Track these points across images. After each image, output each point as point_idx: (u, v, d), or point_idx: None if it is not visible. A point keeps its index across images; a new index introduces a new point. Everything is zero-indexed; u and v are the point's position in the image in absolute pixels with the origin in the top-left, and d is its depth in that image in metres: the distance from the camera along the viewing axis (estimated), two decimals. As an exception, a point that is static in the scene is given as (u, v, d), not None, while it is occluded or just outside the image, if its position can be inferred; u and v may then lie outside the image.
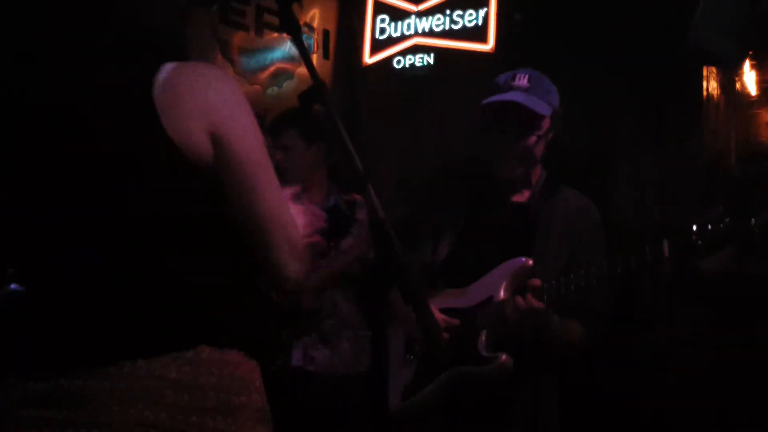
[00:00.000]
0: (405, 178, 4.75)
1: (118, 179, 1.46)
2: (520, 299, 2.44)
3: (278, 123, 3.49)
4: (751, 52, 4.80)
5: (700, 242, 2.29)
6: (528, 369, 2.53)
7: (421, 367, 2.63)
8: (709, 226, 2.27)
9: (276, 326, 1.52)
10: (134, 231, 1.46)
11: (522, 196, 2.71)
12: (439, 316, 2.55)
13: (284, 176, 3.46)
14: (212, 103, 1.50)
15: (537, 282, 2.45)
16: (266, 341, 1.65)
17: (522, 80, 2.64)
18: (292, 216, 1.61)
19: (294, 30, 1.52)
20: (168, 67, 1.48)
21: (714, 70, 4.72)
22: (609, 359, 3.76)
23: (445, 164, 2.97)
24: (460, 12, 5.26)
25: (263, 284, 1.66)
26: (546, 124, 2.64)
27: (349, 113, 5.48)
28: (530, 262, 2.53)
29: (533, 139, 2.63)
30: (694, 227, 2.29)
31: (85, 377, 1.39)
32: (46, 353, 1.44)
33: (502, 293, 2.53)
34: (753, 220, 2.23)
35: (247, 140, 1.54)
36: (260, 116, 5.08)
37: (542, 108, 2.61)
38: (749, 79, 5.07)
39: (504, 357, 2.44)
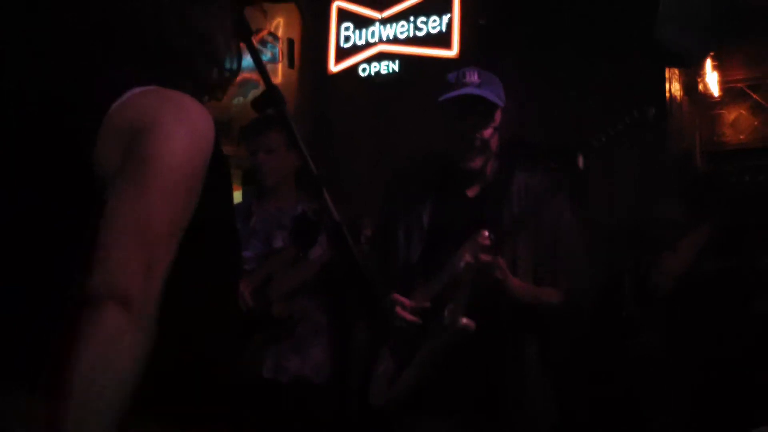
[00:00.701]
0: (376, 184, 4.74)
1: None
2: (468, 255, 2.57)
3: (263, 123, 3.45)
4: (712, 53, 4.86)
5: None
6: (513, 338, 2.66)
7: (402, 356, 2.71)
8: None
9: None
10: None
11: (475, 190, 2.80)
12: (409, 303, 2.65)
13: (264, 178, 3.46)
14: (139, 124, 1.32)
15: (485, 240, 2.57)
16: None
17: (473, 77, 2.77)
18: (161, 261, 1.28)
19: (244, 34, 1.51)
20: (127, 95, 1.36)
21: (677, 71, 4.77)
22: (603, 355, 3.79)
23: (407, 167, 3.03)
24: (423, 18, 5.28)
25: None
26: (498, 116, 2.78)
27: (317, 121, 5.48)
28: (485, 232, 2.60)
29: (489, 130, 2.75)
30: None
31: None
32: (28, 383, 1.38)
33: (461, 264, 2.61)
34: None
35: (156, 161, 1.29)
36: (226, 124, 5.07)
37: (495, 99, 2.74)
38: (712, 80, 5.13)
39: (464, 321, 2.55)
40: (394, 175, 3.05)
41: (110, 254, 1.23)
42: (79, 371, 1.17)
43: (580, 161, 2.44)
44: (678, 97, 4.77)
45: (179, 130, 1.32)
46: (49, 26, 1.47)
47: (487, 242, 2.56)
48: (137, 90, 1.36)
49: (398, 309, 2.63)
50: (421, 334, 2.63)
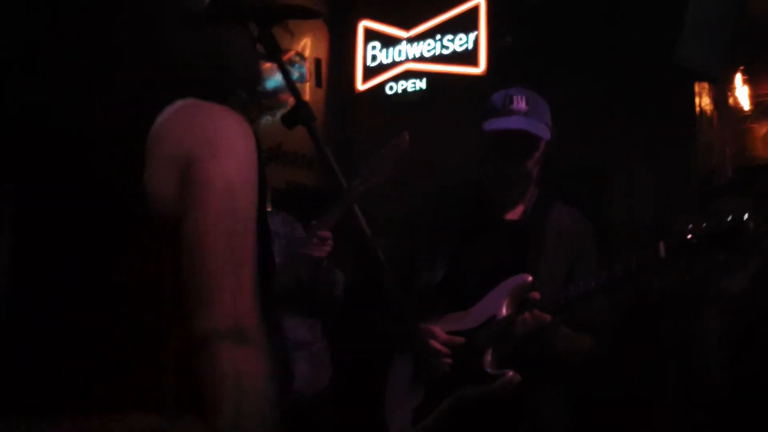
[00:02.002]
0: (400, 202, 4.74)
1: (107, 203, 1.38)
2: (527, 314, 2.47)
3: None
4: (742, 67, 4.82)
5: (695, 241, 2.29)
6: (534, 381, 2.54)
7: (430, 390, 2.63)
8: (704, 224, 2.28)
9: None
10: (116, 254, 1.37)
11: (515, 214, 2.73)
12: (443, 337, 2.57)
13: None
14: (189, 145, 1.34)
15: (536, 295, 2.49)
16: None
17: (520, 103, 2.65)
18: (240, 282, 1.33)
19: (274, 52, 1.52)
20: (168, 110, 1.37)
21: (706, 85, 4.73)
22: (619, 368, 3.75)
23: (437, 188, 2.99)
24: (450, 36, 5.28)
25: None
26: (543, 145, 2.67)
27: (343, 140, 5.49)
28: (529, 278, 2.55)
29: (533, 162, 2.66)
30: (690, 226, 2.29)
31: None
32: (27, 384, 1.38)
33: (504, 310, 2.55)
34: (746, 215, 2.23)
35: (229, 197, 1.33)
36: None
37: (544, 132, 2.64)
38: (742, 93, 5.08)
39: (510, 374, 2.47)
40: (423, 195, 3.00)
41: (211, 294, 1.27)
42: (224, 413, 1.23)
43: (662, 249, 2.35)
44: (708, 112, 4.72)
45: (232, 148, 1.35)
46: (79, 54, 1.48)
47: (537, 296, 2.48)
48: (178, 104, 1.38)
49: (433, 343, 2.55)
50: (454, 373, 2.55)
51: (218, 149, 1.34)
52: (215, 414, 1.24)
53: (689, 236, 2.30)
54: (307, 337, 3.36)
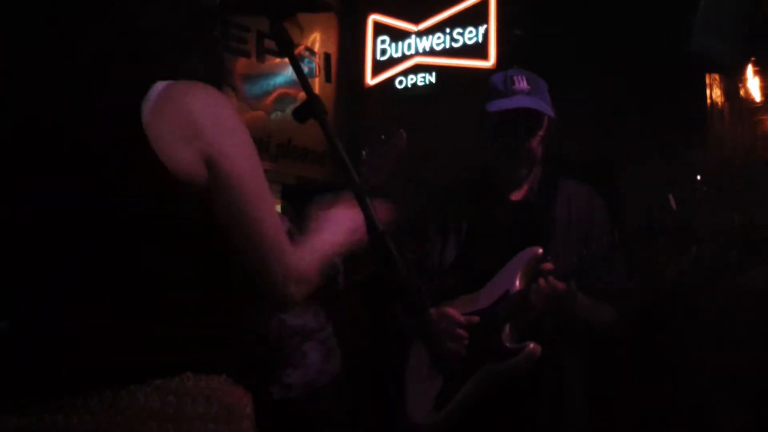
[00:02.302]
0: (411, 195, 4.73)
1: (108, 203, 1.42)
2: (542, 281, 2.46)
3: None
4: (754, 59, 4.79)
5: (705, 189, 2.30)
6: (553, 352, 2.55)
7: (449, 377, 2.62)
8: (714, 177, 2.29)
9: (263, 352, 1.49)
10: (116, 254, 1.42)
11: (520, 194, 2.74)
12: (459, 319, 2.56)
13: None
14: (201, 126, 1.45)
15: (549, 264, 2.48)
16: (255, 367, 1.60)
17: (522, 83, 2.68)
18: (285, 238, 1.57)
19: (286, 46, 1.52)
20: (158, 88, 1.44)
21: (717, 77, 4.71)
22: (636, 346, 3.76)
23: (444, 179, 2.99)
24: (460, 30, 5.27)
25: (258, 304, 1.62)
26: (546, 122, 2.68)
27: (354, 134, 5.49)
28: (540, 250, 2.55)
29: (537, 139, 2.67)
30: (700, 177, 2.29)
31: (68, 411, 1.35)
32: (28, 383, 1.40)
33: (517, 284, 2.55)
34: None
35: (240, 162, 1.49)
36: (264, 140, 5.09)
37: (547, 109, 2.66)
38: (753, 85, 5.05)
39: (531, 345, 2.45)
40: (432, 182, 3.01)
41: (274, 252, 1.52)
42: None
43: (672, 201, 2.34)
44: (719, 104, 4.70)
45: (232, 122, 1.51)
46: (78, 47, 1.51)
47: (550, 266, 2.47)
48: (159, 86, 1.45)
49: (449, 327, 2.54)
50: (473, 354, 2.54)
51: (224, 128, 1.49)
52: None
53: (700, 185, 2.31)
54: (313, 325, 3.38)
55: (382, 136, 2.77)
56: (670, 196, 2.34)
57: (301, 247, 1.65)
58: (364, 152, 2.87)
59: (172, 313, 1.43)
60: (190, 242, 1.46)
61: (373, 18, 5.63)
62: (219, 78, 1.63)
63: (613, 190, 4.63)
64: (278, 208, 5.06)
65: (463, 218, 2.74)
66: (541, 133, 2.67)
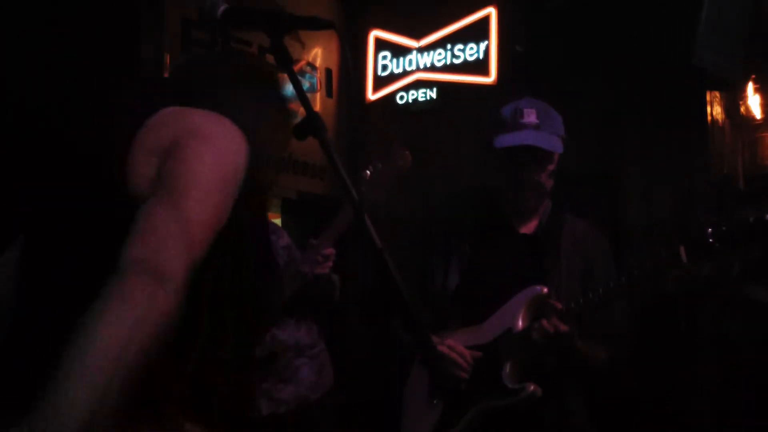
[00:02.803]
0: (413, 212, 4.73)
1: (103, 203, 1.44)
2: (545, 322, 2.45)
3: None
4: (754, 76, 4.80)
5: (717, 244, 2.28)
6: (557, 387, 2.55)
7: (448, 405, 2.62)
8: (724, 228, 2.27)
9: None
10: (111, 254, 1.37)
11: (529, 227, 2.72)
12: (460, 350, 2.55)
13: None
14: (171, 134, 1.44)
15: (558, 305, 2.47)
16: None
17: (531, 116, 2.64)
18: (192, 241, 1.36)
19: (285, 62, 1.52)
20: (163, 111, 1.48)
21: (717, 94, 4.71)
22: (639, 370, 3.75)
23: (449, 194, 2.98)
24: (461, 46, 5.28)
25: None
26: (557, 157, 2.66)
27: (354, 150, 5.49)
28: (545, 289, 2.54)
29: (547, 173, 2.65)
30: (709, 229, 2.28)
31: None
32: (26, 385, 1.40)
33: (520, 323, 2.53)
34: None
35: (194, 161, 1.41)
36: (266, 153, 5.07)
37: (556, 145, 2.63)
38: (753, 102, 5.06)
39: (532, 387, 2.47)
40: (437, 203, 2.99)
41: (149, 237, 1.29)
42: (108, 329, 1.20)
43: (683, 254, 2.32)
44: (720, 121, 4.71)
45: (211, 135, 1.44)
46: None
47: (559, 305, 2.47)
48: (165, 110, 1.48)
49: (452, 354, 2.53)
50: (474, 387, 2.54)
51: (198, 134, 1.43)
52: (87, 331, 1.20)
53: (710, 240, 2.29)
54: (306, 341, 3.37)
55: (386, 152, 2.77)
56: (682, 249, 2.31)
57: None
58: (368, 171, 2.87)
59: None
60: None
61: (374, 34, 5.64)
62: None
63: (614, 206, 4.64)
64: (278, 221, 5.05)
65: (468, 243, 2.71)
66: (550, 167, 2.65)
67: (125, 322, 1.20)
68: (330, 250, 3.09)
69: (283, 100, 1.77)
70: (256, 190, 1.53)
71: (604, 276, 2.57)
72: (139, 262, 1.26)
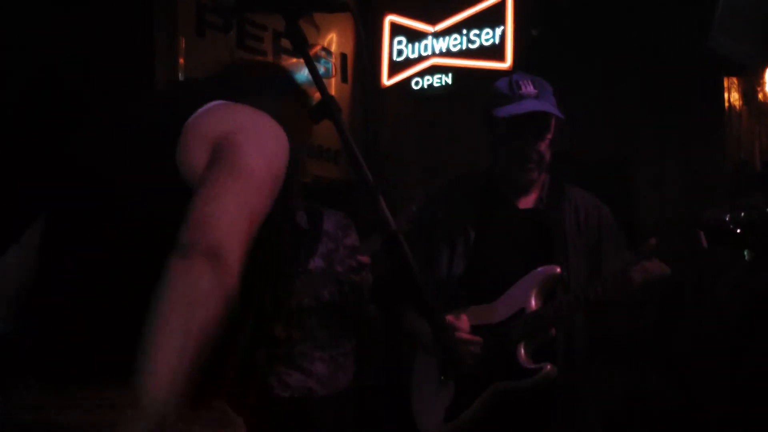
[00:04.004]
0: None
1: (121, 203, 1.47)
2: (536, 290, 2.49)
3: None
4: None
5: (738, 230, 2.27)
6: (567, 373, 2.57)
7: (460, 387, 2.62)
8: (743, 214, 2.26)
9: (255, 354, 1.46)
10: (123, 252, 1.44)
11: (529, 202, 2.72)
12: (467, 329, 2.56)
13: None
14: (222, 129, 1.48)
15: (557, 269, 2.50)
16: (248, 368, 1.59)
17: (528, 87, 2.69)
18: (232, 231, 1.38)
19: (300, 45, 1.52)
20: (212, 103, 1.53)
21: (735, 80, 4.68)
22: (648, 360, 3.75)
23: (448, 182, 2.97)
24: (476, 31, 5.26)
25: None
26: (553, 125, 2.69)
27: (369, 135, 5.49)
28: (558, 269, 2.54)
29: (546, 142, 2.68)
30: (727, 216, 2.27)
31: (69, 411, 1.37)
32: (32, 377, 1.43)
33: (533, 303, 2.54)
34: None
35: (247, 149, 1.45)
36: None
37: (556, 111, 2.67)
38: (771, 88, 5.02)
39: (548, 367, 2.48)
40: (437, 186, 2.98)
41: (210, 220, 1.33)
42: (169, 309, 1.24)
43: (702, 238, 2.30)
44: (737, 107, 4.68)
45: (260, 131, 1.50)
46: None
47: (558, 272, 2.49)
48: (215, 102, 1.53)
49: (462, 334, 2.54)
50: (487, 368, 2.55)
51: (251, 128, 1.49)
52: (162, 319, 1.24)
53: (730, 225, 2.27)
54: (329, 342, 3.36)
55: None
56: (701, 234, 2.30)
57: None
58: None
59: None
60: None
61: (389, 19, 5.63)
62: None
63: (628, 192, 4.63)
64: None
65: (471, 226, 2.71)
66: (549, 135, 2.68)
67: (194, 301, 1.24)
68: (365, 259, 3.09)
69: (298, 86, 1.80)
70: (292, 182, 1.58)
71: (612, 247, 2.59)
72: (202, 244, 1.29)
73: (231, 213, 1.34)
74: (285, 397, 3.25)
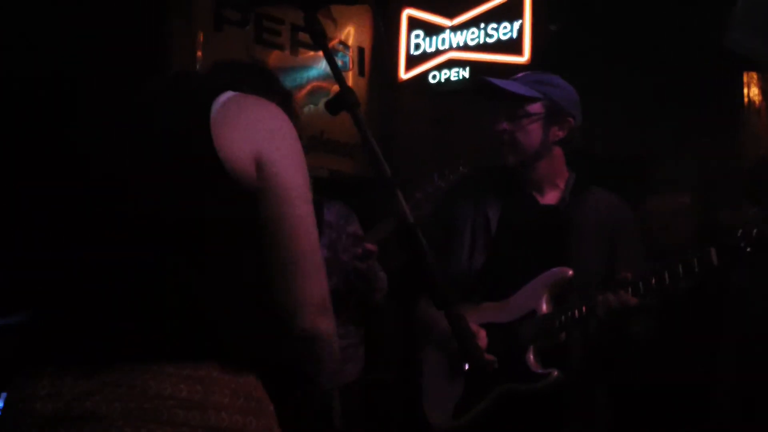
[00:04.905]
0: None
1: (165, 187, 1.51)
2: (611, 296, 2.39)
3: None
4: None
5: (748, 248, 2.23)
6: (581, 378, 2.54)
7: (470, 384, 2.61)
8: (755, 231, 2.22)
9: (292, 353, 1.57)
10: (169, 237, 1.49)
11: (551, 198, 2.69)
12: (480, 333, 2.55)
13: None
14: (260, 131, 1.56)
15: (629, 274, 2.41)
16: (284, 367, 1.65)
17: (524, 76, 2.70)
18: (319, 263, 1.61)
19: (319, 36, 1.52)
20: (228, 94, 1.58)
21: (755, 75, 4.65)
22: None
23: (467, 175, 2.93)
24: (494, 25, 5.24)
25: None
26: (534, 109, 2.63)
27: (386, 129, 5.48)
28: (570, 272, 2.51)
29: (522, 123, 2.62)
30: (740, 232, 2.23)
31: (97, 400, 1.38)
32: (59, 363, 1.44)
33: (544, 306, 2.51)
34: None
35: (286, 171, 1.57)
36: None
37: (517, 88, 2.61)
38: (792, 84, 4.98)
39: (555, 373, 2.46)
40: (461, 177, 2.94)
41: (305, 274, 1.56)
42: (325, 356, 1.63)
43: (714, 256, 2.26)
44: (756, 102, 4.64)
45: (287, 134, 1.63)
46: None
47: (630, 276, 2.40)
48: (228, 93, 1.60)
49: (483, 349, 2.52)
50: (498, 367, 2.52)
51: (278, 137, 1.59)
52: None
53: (742, 244, 2.23)
54: (338, 333, 3.36)
55: (447, 170, 2.77)
56: (713, 252, 2.26)
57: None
58: (428, 186, 2.87)
59: (206, 303, 1.47)
60: (238, 240, 1.52)
61: (407, 12, 5.61)
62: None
63: (645, 189, 4.60)
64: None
65: (492, 220, 2.69)
66: (522, 114, 2.62)
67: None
68: (372, 247, 3.08)
69: (287, 91, 2.01)
70: None
71: (629, 253, 2.56)
72: (309, 304, 1.56)
73: (312, 265, 1.58)
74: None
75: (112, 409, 1.37)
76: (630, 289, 2.37)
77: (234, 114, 1.56)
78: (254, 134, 1.55)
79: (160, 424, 1.37)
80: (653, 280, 2.34)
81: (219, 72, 1.99)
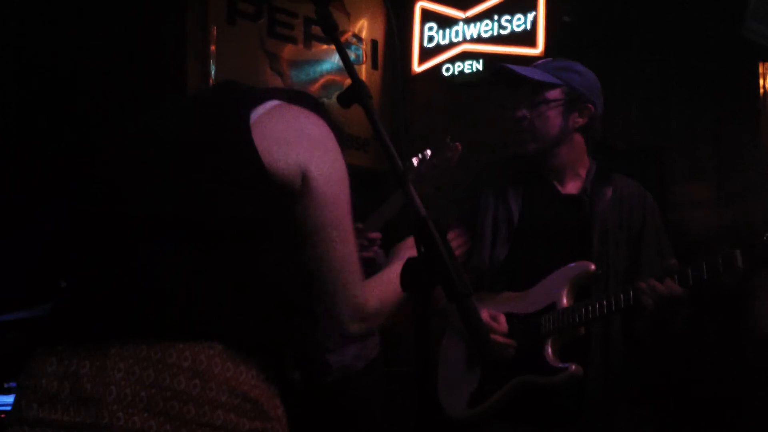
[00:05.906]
0: (457, 185, 4.70)
1: (207, 184, 1.53)
2: (658, 284, 2.31)
3: None
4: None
5: None
6: (595, 373, 2.51)
7: (486, 374, 2.61)
8: None
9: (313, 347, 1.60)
10: (209, 232, 1.51)
11: (572, 188, 2.66)
12: (499, 317, 2.54)
13: None
14: (299, 137, 1.60)
15: (673, 261, 2.34)
16: (306, 359, 1.67)
17: (543, 62, 2.67)
18: (358, 272, 1.66)
19: (331, 29, 1.52)
20: (271, 103, 1.64)
21: (771, 66, 4.62)
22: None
23: (490, 163, 2.91)
24: (508, 17, 5.22)
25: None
26: (554, 95, 2.60)
27: (400, 122, 5.47)
28: (592, 266, 2.48)
29: (540, 109, 2.59)
30: (765, 237, 2.18)
31: (102, 360, 1.40)
32: (70, 329, 1.47)
33: (564, 300, 2.49)
34: None
35: (328, 181, 1.61)
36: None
37: (535, 74, 2.58)
38: (809, 74, 4.95)
39: (573, 367, 2.43)
40: (485, 166, 2.91)
41: (344, 290, 1.64)
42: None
43: (739, 259, 2.20)
44: (773, 93, 4.62)
45: (329, 147, 1.67)
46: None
47: (673, 262, 2.32)
48: (270, 102, 1.66)
49: (492, 323, 2.51)
50: (515, 358, 2.51)
51: (319, 146, 1.64)
52: None
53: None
54: None
55: (436, 143, 2.74)
56: (738, 254, 2.22)
57: (371, 283, 1.73)
58: (415, 160, 2.84)
59: (221, 293, 1.49)
60: (259, 236, 1.54)
61: (420, 5, 5.61)
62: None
63: (661, 179, 4.58)
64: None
65: (516, 210, 2.67)
66: (539, 101, 2.58)
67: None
68: (376, 235, 3.08)
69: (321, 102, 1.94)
70: None
71: (654, 245, 2.53)
72: (353, 313, 1.65)
73: (355, 273, 1.65)
74: (327, 383, 3.31)
75: (107, 393, 1.38)
76: (677, 278, 2.30)
77: (275, 119, 1.60)
78: (294, 140, 1.59)
79: (153, 414, 1.38)
80: (705, 269, 2.27)
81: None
